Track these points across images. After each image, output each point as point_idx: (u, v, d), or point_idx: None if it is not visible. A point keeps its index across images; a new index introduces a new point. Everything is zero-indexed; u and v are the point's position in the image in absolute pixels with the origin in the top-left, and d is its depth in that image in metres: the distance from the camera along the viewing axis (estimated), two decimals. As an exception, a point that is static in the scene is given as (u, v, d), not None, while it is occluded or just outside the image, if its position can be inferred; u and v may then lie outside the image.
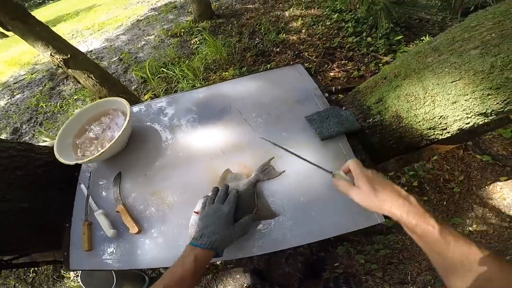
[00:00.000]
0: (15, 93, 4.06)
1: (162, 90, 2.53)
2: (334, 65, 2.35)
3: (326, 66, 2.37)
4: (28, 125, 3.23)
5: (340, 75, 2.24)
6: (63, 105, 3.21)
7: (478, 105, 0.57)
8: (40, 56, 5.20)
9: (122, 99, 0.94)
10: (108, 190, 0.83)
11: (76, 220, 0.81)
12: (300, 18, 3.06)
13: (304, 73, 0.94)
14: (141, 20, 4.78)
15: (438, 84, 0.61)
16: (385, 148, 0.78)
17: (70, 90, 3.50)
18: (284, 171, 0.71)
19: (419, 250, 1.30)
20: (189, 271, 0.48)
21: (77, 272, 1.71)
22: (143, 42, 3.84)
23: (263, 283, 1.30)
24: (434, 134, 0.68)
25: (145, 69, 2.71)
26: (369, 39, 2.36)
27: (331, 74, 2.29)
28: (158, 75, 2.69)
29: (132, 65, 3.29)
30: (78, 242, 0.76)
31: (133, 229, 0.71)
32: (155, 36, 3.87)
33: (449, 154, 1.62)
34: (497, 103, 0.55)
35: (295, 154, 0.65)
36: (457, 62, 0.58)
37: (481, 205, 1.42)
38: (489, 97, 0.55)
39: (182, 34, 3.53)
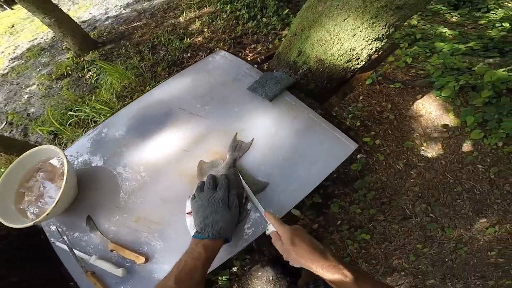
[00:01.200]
0: None
1: (80, 135, 2.20)
2: (247, 51, 2.49)
3: (240, 54, 2.48)
4: None
5: (255, 57, 2.41)
6: None
7: (370, 32, 0.72)
8: None
9: (48, 145, 0.82)
10: (86, 237, 0.74)
11: (76, 276, 0.71)
12: (196, 19, 3.08)
13: (228, 55, 0.99)
14: (7, 73, 3.92)
15: (335, 24, 0.74)
16: (323, 90, 0.92)
17: None
18: (252, 139, 0.75)
19: (399, 183, 1.44)
20: (200, 261, 0.48)
21: None
22: (26, 96, 3.20)
23: (284, 271, 1.30)
24: (352, 65, 0.83)
25: (49, 121, 2.29)
26: (264, 19, 2.56)
27: (248, 59, 2.44)
28: (68, 122, 2.32)
29: (29, 124, 2.73)
30: None
31: (139, 259, 0.65)
32: (38, 84, 3.27)
33: (370, 91, 1.91)
34: (382, 28, 0.71)
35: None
36: (340, 4, 0.72)
37: (417, 123, 1.67)
38: (375, 24, 0.70)
39: (70, 72, 3.09)
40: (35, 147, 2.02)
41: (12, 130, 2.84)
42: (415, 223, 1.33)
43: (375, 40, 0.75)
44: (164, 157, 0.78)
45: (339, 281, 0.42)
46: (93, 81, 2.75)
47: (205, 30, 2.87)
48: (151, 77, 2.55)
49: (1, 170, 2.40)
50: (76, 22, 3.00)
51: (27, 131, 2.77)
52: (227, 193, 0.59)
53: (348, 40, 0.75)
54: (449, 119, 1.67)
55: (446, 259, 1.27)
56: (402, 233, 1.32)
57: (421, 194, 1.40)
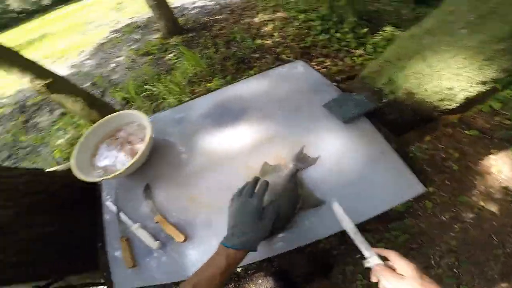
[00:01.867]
0: None
1: (148, 109, 2.48)
2: (313, 63, 2.47)
3: (306, 65, 2.48)
4: (8, 162, 2.95)
5: (321, 72, 2.38)
6: (45, 136, 2.99)
7: (478, 74, 0.67)
8: (3, 89, 4.79)
9: (137, 111, 0.94)
10: (138, 204, 0.82)
11: (110, 238, 0.79)
12: (270, 22, 3.17)
13: (307, 67, 1.01)
14: (104, 43, 4.62)
15: (439, 60, 0.70)
16: (403, 122, 0.88)
17: (46, 121, 3.26)
18: (319, 156, 0.75)
19: (438, 233, 1.34)
20: (220, 269, 0.47)
21: None
22: (113, 65, 3.73)
23: (287, 285, 1.29)
24: (444, 104, 0.78)
25: (128, 89, 2.63)
26: (338, 34, 2.48)
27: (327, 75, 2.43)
28: (141, 94, 2.63)
29: (108, 88, 3.18)
30: (117, 261, 0.74)
31: (179, 237, 0.70)
32: (125, 57, 3.77)
33: (440, 133, 1.72)
34: (493, 72, 0.66)
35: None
36: (451, 41, 0.68)
37: (481, 181, 1.50)
38: (486, 67, 0.65)
39: (154, 51, 3.49)
40: (112, 108, 2.30)
41: (93, 90, 3.33)
42: (434, 274, 1.25)
43: (480, 83, 0.69)
44: (232, 148, 0.84)
45: None
46: (171, 63, 3.06)
47: (275, 34, 2.93)
48: (220, 70, 2.72)
49: (68, 130, 2.84)
50: (170, 8, 3.36)
51: (105, 93, 3.22)
52: (262, 202, 0.56)
53: (449, 79, 0.70)
54: (519, 185, 1.45)
55: None
56: None
57: (456, 249, 1.30)
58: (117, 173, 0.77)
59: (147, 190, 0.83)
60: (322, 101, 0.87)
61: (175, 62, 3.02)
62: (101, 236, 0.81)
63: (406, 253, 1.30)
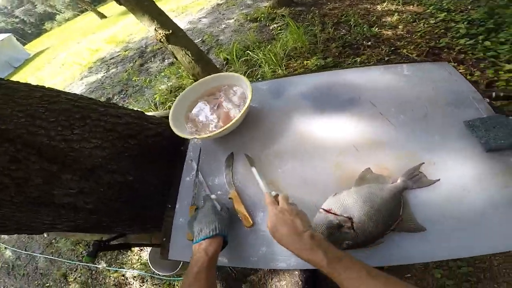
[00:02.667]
0: (110, 68, 4.69)
1: (243, 73, 2.59)
2: (440, 68, 2.04)
3: (429, 67, 2.08)
4: (119, 96, 3.70)
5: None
6: (152, 80, 3.57)
7: None
8: (133, 35, 5.86)
9: (241, 75, 0.92)
10: (219, 172, 0.78)
11: (181, 202, 0.76)
12: (395, 13, 2.76)
13: (454, 73, 0.80)
14: (221, 4, 4.95)
15: None
16: None
17: (156, 67, 3.86)
18: (438, 179, 0.60)
19: (505, 272, 1.20)
20: (203, 264, 0.50)
21: (142, 247, 1.78)
22: (223, 26, 3.98)
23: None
24: None
25: (231, 51, 2.79)
26: (487, 43, 2.02)
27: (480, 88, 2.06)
28: (241, 58, 2.75)
29: (213, 47, 3.45)
30: (181, 228, 0.71)
31: (247, 221, 0.65)
32: (235, 20, 3.96)
33: None
34: None
35: None
36: None
37: None
38: None
39: (261, 19, 3.54)
40: (214, 66, 2.45)
41: (201, 47, 3.65)
42: None
43: None
44: (328, 140, 0.74)
45: (314, 264, 0.44)
46: (275, 33, 3.05)
47: (400, 27, 2.57)
48: (322, 50, 2.56)
49: (171, 78, 3.20)
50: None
51: (210, 51, 3.49)
52: (212, 203, 0.65)
53: None
54: None
55: None
56: None
57: None
58: (206, 135, 0.76)
59: (230, 160, 0.79)
60: (463, 117, 0.67)
61: (278, 33, 3.00)
62: (173, 198, 0.77)
63: (459, 284, 1.21)
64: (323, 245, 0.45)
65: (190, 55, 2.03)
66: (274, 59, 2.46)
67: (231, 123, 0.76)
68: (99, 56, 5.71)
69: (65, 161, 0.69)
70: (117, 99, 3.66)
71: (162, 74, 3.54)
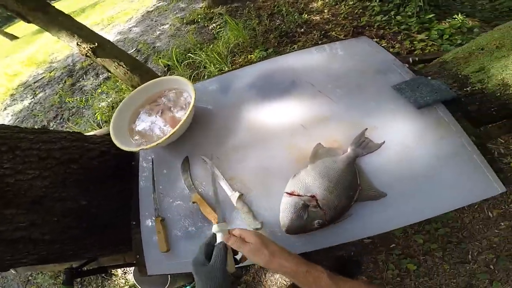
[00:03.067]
0: (37, 92, 4.10)
1: (188, 77, 2.50)
2: (366, 44, 2.26)
3: (357, 45, 2.29)
4: (55, 122, 3.26)
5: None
6: (89, 98, 3.21)
7: None
8: (55, 54, 5.20)
9: (181, 77, 0.89)
10: (176, 178, 0.76)
11: (144, 216, 0.74)
12: (320, -1, 2.95)
13: (374, 45, 0.88)
14: (151, 11, 4.69)
15: None
16: (485, 116, 0.75)
17: (91, 84, 3.49)
18: (383, 142, 0.66)
19: (479, 229, 1.29)
20: None
21: (124, 269, 1.71)
22: (158, 32, 3.78)
23: None
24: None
25: (171, 56, 2.66)
26: (398, 17, 2.29)
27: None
28: (183, 62, 2.65)
29: (151, 55, 3.26)
30: (151, 243, 0.69)
31: (216, 220, 0.64)
32: (170, 25, 3.79)
33: None
34: None
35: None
36: None
37: None
38: None
39: (198, 20, 3.45)
40: (154, 73, 2.33)
41: (137, 56, 3.43)
42: (468, 269, 1.24)
43: None
44: (278, 125, 0.76)
45: (314, 277, 0.43)
46: (215, 32, 3.00)
47: (325, 11, 2.75)
48: (262, 42, 2.62)
49: (111, 93, 2.96)
50: (216, -26, 3.24)
51: (148, 60, 3.29)
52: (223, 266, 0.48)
53: None
54: None
55: None
56: (448, 274, 1.25)
57: (496, 246, 1.27)
58: (155, 143, 0.71)
59: (186, 164, 0.77)
60: (390, 83, 0.75)
61: (218, 32, 2.97)
62: (135, 214, 0.75)
63: (443, 246, 1.29)
64: (312, 264, 0.46)
65: (124, 65, 1.88)
66: (218, 58, 2.44)
67: (178, 126, 0.73)
68: (20, 81, 4.93)
69: (4, 197, 0.65)
70: (54, 125, 3.23)
71: (99, 90, 3.22)
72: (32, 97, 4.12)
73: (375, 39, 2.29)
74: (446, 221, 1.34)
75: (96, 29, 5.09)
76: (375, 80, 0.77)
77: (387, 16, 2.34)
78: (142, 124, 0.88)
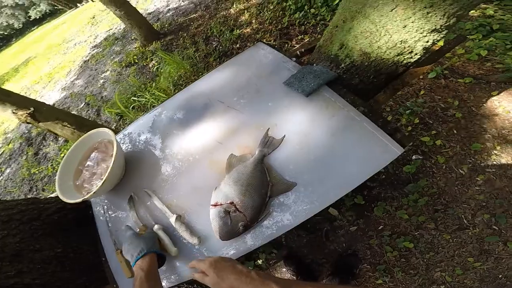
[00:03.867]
0: (3, 169, 3.87)
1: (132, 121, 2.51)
2: (293, 42, 2.42)
3: (286, 45, 2.44)
4: (31, 194, 3.09)
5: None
6: (54, 166, 3.10)
7: (425, 23, 0.63)
8: (6, 123, 4.95)
9: (104, 128, 0.94)
10: (125, 215, 0.84)
11: (109, 251, 0.83)
12: (245, 10, 3.12)
13: (266, 48, 0.98)
14: (88, 60, 4.64)
15: (381, 15, 0.67)
16: (369, 85, 0.84)
17: (53, 150, 3.37)
18: (284, 136, 0.74)
19: (461, 189, 1.26)
20: (142, 278, 0.57)
21: None
22: (101, 81, 3.76)
23: (295, 269, 1.29)
24: (404, 58, 0.74)
25: (116, 104, 2.66)
26: (312, 10, 2.48)
27: (286, 52, 2.40)
28: (132, 106, 2.66)
29: (102, 106, 3.23)
30: (119, 272, 0.77)
31: (164, 250, 0.71)
32: (111, 71, 3.79)
33: (434, 85, 1.66)
34: (440, 18, 0.61)
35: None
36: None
37: (491, 124, 1.41)
38: (430, 14, 0.61)
39: (137, 61, 3.50)
40: (103, 126, 2.33)
41: (88, 110, 3.39)
42: (472, 235, 1.17)
43: (431, 31, 0.65)
44: (199, 147, 0.83)
45: None
46: (154, 70, 3.06)
47: (253, 21, 2.90)
48: (204, 67, 2.71)
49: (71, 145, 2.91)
50: (141, 15, 3.33)
51: (100, 111, 3.26)
52: (132, 231, 0.71)
53: (397, 32, 0.67)
54: (533, 120, 1.36)
55: (500, 276, 1.09)
56: (453, 244, 1.17)
57: (485, 204, 1.21)
58: (93, 191, 0.78)
59: (130, 202, 0.85)
60: (283, 80, 0.84)
61: (158, 68, 3.02)
62: (102, 252, 0.85)
63: (432, 217, 1.24)
64: (271, 277, 0.47)
65: (69, 125, 1.85)
66: (163, 95, 2.48)
67: (104, 178, 0.79)
68: None
69: None
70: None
71: (62, 154, 3.12)
72: (0, 174, 3.88)
73: (300, 36, 2.47)
74: (422, 190, 1.30)
75: (39, 88, 5.00)
76: (270, 82, 0.87)
77: (303, 12, 2.50)
78: (85, 179, 0.93)
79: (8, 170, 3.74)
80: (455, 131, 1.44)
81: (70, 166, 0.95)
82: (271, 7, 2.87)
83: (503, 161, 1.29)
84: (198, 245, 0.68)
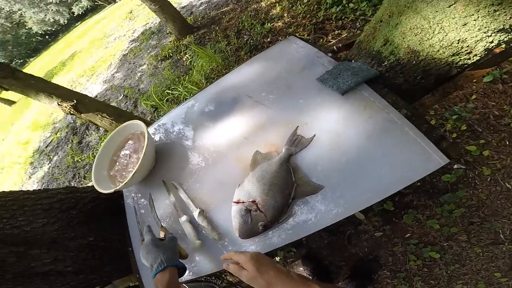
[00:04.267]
0: (51, 156, 4.33)
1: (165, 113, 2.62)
2: (329, 38, 2.32)
3: (322, 40, 2.35)
4: (74, 181, 3.42)
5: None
6: (95, 154, 3.38)
7: (491, 22, 0.55)
8: (54, 114, 5.51)
9: (137, 120, 0.97)
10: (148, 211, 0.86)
11: (136, 242, 0.85)
12: (277, 4, 3.06)
13: (299, 42, 0.93)
14: (127, 54, 4.91)
15: (437, 11, 0.59)
16: (415, 86, 0.76)
17: (94, 139, 3.68)
18: (314, 135, 0.70)
19: (501, 204, 1.17)
20: None
21: None
22: (139, 74, 3.97)
23: (312, 270, 1.27)
24: (460, 59, 0.66)
25: (152, 97, 2.79)
26: (351, 5, 2.33)
27: (321, 47, 2.31)
28: (166, 99, 2.78)
29: (139, 98, 3.41)
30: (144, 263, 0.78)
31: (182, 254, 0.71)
32: (147, 64, 3.98)
33: (489, 90, 1.50)
34: (510, 17, 0.53)
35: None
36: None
37: None
38: (497, 12, 0.53)
39: (171, 54, 3.62)
40: (139, 118, 2.43)
41: (126, 102, 3.61)
42: (506, 250, 1.10)
43: (498, 31, 0.56)
44: (226, 141, 0.83)
45: None
46: (188, 63, 3.15)
47: (285, 15, 2.82)
48: (235, 61, 2.72)
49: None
50: (175, 9, 3.41)
51: (137, 103, 3.46)
52: (151, 236, 0.67)
53: (455, 30, 0.58)
54: None
55: None
56: (483, 258, 1.11)
57: None
58: (122, 184, 0.82)
59: (150, 201, 0.86)
60: (315, 76, 0.80)
61: (191, 62, 3.10)
62: (129, 241, 0.89)
63: (465, 229, 1.16)
64: (312, 279, 0.46)
65: (108, 116, 1.98)
66: (195, 88, 2.54)
67: (133, 171, 0.81)
68: (33, 148, 5.22)
69: (27, 241, 0.85)
70: (75, 185, 3.39)
71: (102, 143, 3.40)
72: (48, 162, 4.35)
73: (337, 31, 2.35)
74: (460, 201, 1.21)
75: (84, 81, 5.43)
76: (302, 77, 0.83)
77: (341, 6, 2.37)
78: (119, 169, 0.97)
79: (55, 158, 4.15)
80: (507, 142, 1.30)
81: (106, 156, 1.00)
82: (305, 1, 2.76)
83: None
84: (218, 240, 0.68)
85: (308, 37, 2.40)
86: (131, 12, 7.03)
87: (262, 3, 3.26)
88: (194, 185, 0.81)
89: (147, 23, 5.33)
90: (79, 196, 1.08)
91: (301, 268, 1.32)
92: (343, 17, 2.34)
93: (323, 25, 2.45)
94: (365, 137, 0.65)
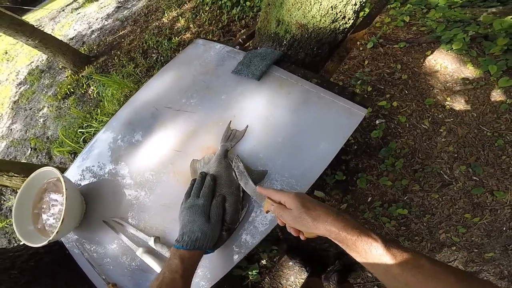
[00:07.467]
0: None
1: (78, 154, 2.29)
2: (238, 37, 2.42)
3: (231, 41, 2.43)
4: (12, 246, 2.60)
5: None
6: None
7: None
8: None
9: (46, 167, 0.82)
10: (106, 246, 0.74)
11: (100, 286, 0.72)
12: (179, 17, 3.03)
13: (206, 43, 0.94)
14: (17, 100, 4.06)
15: None
16: (315, 57, 0.85)
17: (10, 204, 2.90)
18: (247, 126, 0.70)
19: (429, 144, 1.28)
20: (178, 273, 0.45)
21: None
22: (41, 120, 3.33)
23: (301, 261, 1.25)
24: (340, 25, 0.76)
25: (65, 142, 2.38)
26: (248, 3, 2.50)
27: (227, 42, 2.41)
28: (82, 139, 2.41)
29: (50, 147, 2.86)
30: None
31: None
32: (48, 107, 3.38)
33: (374, 54, 1.79)
34: None
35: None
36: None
37: (435, 80, 1.53)
38: None
39: (73, 90, 3.17)
40: (57, 167, 2.09)
41: (38, 155, 2.99)
42: (457, 189, 1.17)
43: (357, -6, 0.67)
44: (158, 160, 0.75)
45: (365, 244, 0.36)
46: (95, 95, 2.80)
47: (191, 25, 2.83)
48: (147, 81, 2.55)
49: None
50: (61, 40, 3.01)
51: (51, 153, 2.89)
52: (209, 202, 0.55)
53: (325, -2, 0.67)
54: (469, 71, 1.53)
55: (504, 228, 1.11)
56: (444, 202, 1.18)
57: (457, 154, 1.24)
58: (54, 235, 0.70)
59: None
60: (230, 69, 0.81)
61: (99, 93, 2.78)
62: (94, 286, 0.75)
63: (413, 178, 1.23)
64: (359, 223, 0.39)
65: (16, 174, 1.63)
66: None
67: (62, 214, 0.70)
68: None
69: None
70: None
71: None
72: None
73: (242, 30, 2.47)
74: (395, 152, 1.30)
75: None
76: (218, 74, 0.83)
77: (240, 6, 2.52)
78: (46, 219, 0.83)
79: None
80: (406, 91, 1.56)
81: (25, 211, 0.84)
82: (207, 8, 2.83)
83: (457, 109, 1.42)
84: None
85: (205, 38, 2.44)
86: (6, 53, 5.84)
87: (163, 19, 3.17)
88: (139, 215, 0.71)
89: (32, 62, 4.51)
90: (12, 255, 0.90)
91: (291, 263, 1.30)
92: (244, 16, 2.48)
93: (229, 27, 2.54)
94: (291, 112, 0.69)
